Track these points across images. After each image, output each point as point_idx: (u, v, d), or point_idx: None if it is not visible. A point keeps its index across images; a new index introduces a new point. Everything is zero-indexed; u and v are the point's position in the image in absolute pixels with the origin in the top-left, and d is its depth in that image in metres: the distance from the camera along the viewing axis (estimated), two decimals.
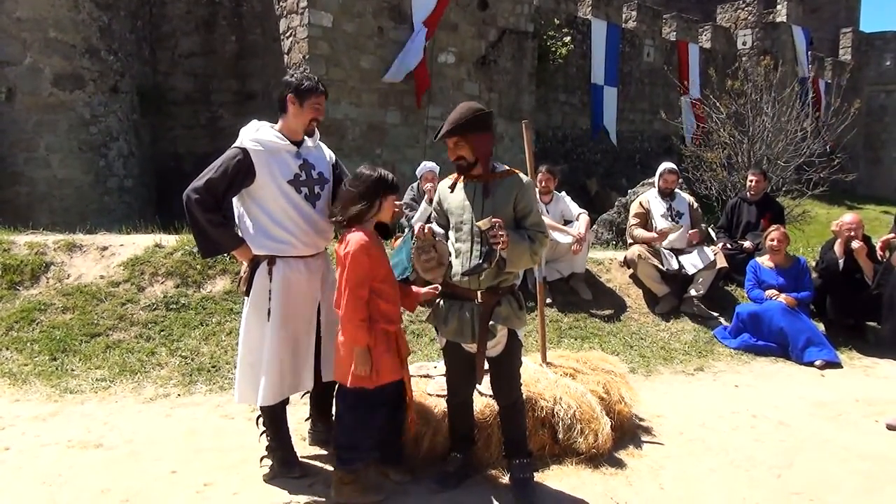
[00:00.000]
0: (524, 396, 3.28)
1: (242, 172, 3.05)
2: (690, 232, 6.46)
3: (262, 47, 12.56)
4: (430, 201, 6.07)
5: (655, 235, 6.40)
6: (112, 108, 11.26)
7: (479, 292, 2.98)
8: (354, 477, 3.04)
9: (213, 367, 4.73)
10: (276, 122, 3.27)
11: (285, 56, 11.67)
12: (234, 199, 3.18)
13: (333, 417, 3.14)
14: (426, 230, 3.00)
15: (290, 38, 11.49)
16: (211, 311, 5.35)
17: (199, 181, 3.08)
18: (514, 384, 3.14)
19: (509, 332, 3.04)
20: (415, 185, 6.47)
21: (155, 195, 12.37)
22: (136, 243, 6.03)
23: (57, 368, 4.62)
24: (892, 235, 4.13)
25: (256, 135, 3.14)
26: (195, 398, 4.36)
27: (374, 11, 11.63)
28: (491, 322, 2.98)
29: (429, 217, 5.94)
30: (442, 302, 3.14)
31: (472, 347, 3.03)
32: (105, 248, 5.91)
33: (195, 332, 5.09)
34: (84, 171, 10.89)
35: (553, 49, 15.67)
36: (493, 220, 2.80)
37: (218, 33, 12.84)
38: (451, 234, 3.11)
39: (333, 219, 3.04)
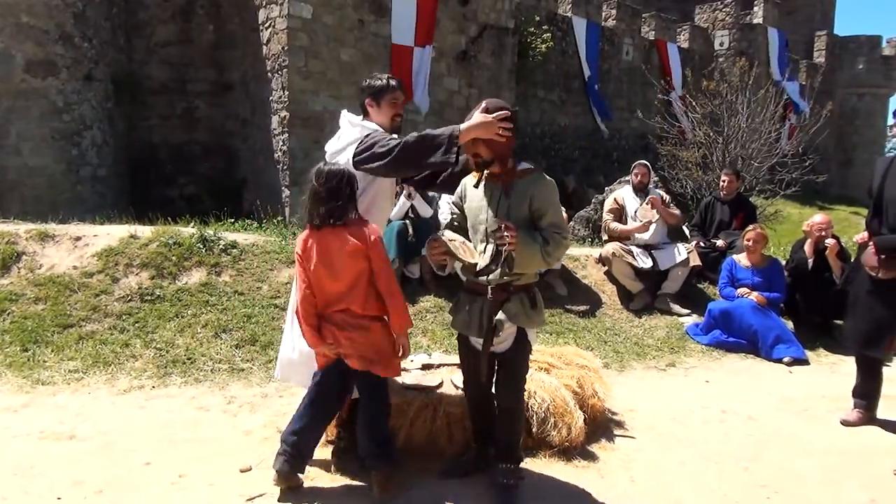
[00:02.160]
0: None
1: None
2: (651, 197, 6.59)
3: (241, 37, 12.44)
4: (409, 196, 6.08)
5: (630, 228, 6.52)
6: (86, 96, 11.08)
7: (489, 288, 2.98)
8: (394, 471, 3.08)
9: (189, 359, 4.70)
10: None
11: (264, 47, 11.57)
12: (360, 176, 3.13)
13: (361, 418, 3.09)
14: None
15: (269, 29, 11.40)
16: (186, 302, 5.31)
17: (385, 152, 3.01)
18: (517, 388, 3.08)
19: (518, 331, 2.99)
20: (393, 179, 6.47)
21: (129, 185, 12.22)
22: (111, 234, 5.96)
23: (29, 359, 4.56)
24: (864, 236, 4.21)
25: (370, 124, 3.22)
26: (170, 390, 4.33)
27: (355, 4, 11.58)
28: (497, 318, 2.96)
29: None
30: (461, 295, 3.17)
31: (478, 342, 3.04)
32: (78, 239, 5.84)
33: (170, 324, 5.06)
34: (56, 160, 10.72)
35: (533, 46, 15.72)
36: (501, 221, 2.77)
37: (195, 22, 12.68)
38: (470, 232, 3.11)
39: (319, 215, 2.93)
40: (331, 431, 3.43)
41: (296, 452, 3.00)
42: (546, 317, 6.01)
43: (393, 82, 3.29)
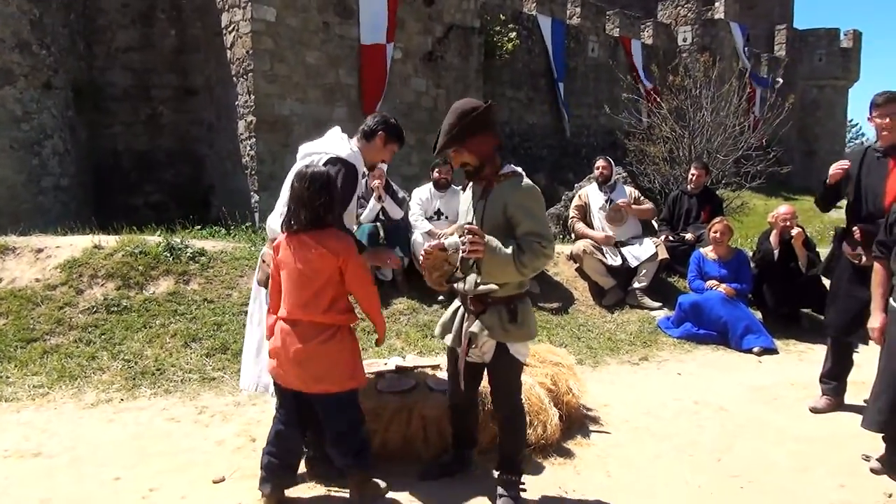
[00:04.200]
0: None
1: (354, 184, 3.14)
2: (621, 201, 6.66)
3: (204, 42, 12.27)
4: (379, 198, 6.05)
5: (596, 235, 6.57)
6: (45, 105, 10.83)
7: (468, 298, 2.90)
8: (370, 475, 3.05)
9: (158, 370, 4.62)
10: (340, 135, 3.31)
11: (228, 51, 11.43)
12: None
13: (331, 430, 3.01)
14: (434, 248, 2.80)
15: (233, 33, 11.26)
16: (154, 312, 5.22)
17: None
18: (506, 399, 3.00)
19: (498, 344, 2.89)
20: (363, 181, 6.44)
21: (92, 194, 11.98)
22: (74, 244, 5.83)
23: None
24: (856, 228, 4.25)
25: (350, 147, 3.18)
26: (139, 402, 4.25)
27: (319, 6, 11.49)
28: (471, 329, 2.87)
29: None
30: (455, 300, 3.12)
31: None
32: (40, 251, 5.70)
33: (138, 335, 4.96)
34: (16, 170, 10.45)
35: (500, 45, 15.77)
36: (466, 226, 2.65)
37: (157, 27, 12.47)
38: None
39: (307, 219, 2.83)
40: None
41: (273, 474, 2.97)
42: None
43: (404, 139, 3.39)
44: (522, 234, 2.74)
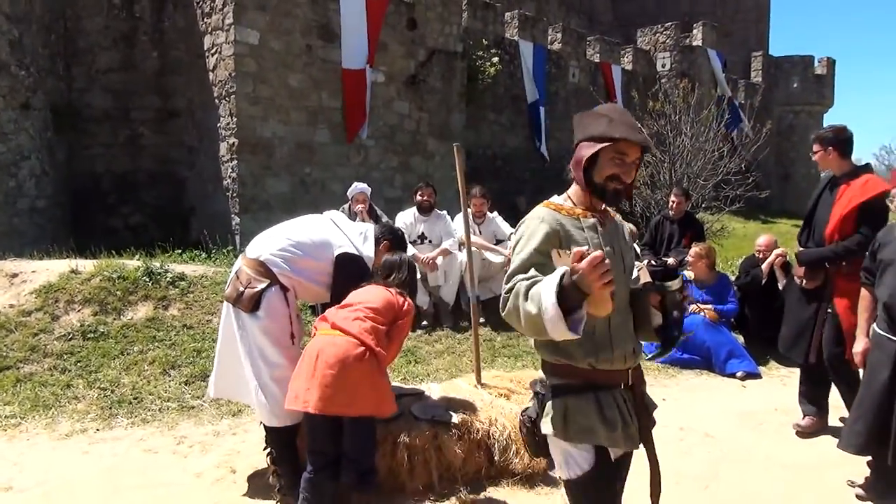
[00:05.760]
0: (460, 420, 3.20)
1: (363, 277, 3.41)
2: None
3: (186, 64, 12.23)
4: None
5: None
6: (23, 126, 10.68)
7: (629, 372, 2.11)
8: (371, 498, 3.11)
9: (135, 398, 4.51)
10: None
11: (210, 73, 11.39)
12: (308, 241, 3.40)
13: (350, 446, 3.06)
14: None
15: (216, 55, 11.23)
16: (132, 339, 5.11)
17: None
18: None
19: None
20: (346, 206, 6.41)
21: (70, 216, 11.80)
22: (50, 269, 5.72)
23: None
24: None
25: (369, 250, 3.53)
26: (115, 432, 4.14)
27: (303, 30, 11.52)
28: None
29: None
30: (573, 401, 2.09)
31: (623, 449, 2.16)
32: (15, 276, 5.59)
33: (115, 363, 4.85)
34: None
35: (482, 69, 15.91)
36: (681, 280, 2.08)
37: (138, 49, 12.39)
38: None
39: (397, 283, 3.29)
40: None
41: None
42: (504, 340, 6.02)
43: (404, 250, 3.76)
44: None
